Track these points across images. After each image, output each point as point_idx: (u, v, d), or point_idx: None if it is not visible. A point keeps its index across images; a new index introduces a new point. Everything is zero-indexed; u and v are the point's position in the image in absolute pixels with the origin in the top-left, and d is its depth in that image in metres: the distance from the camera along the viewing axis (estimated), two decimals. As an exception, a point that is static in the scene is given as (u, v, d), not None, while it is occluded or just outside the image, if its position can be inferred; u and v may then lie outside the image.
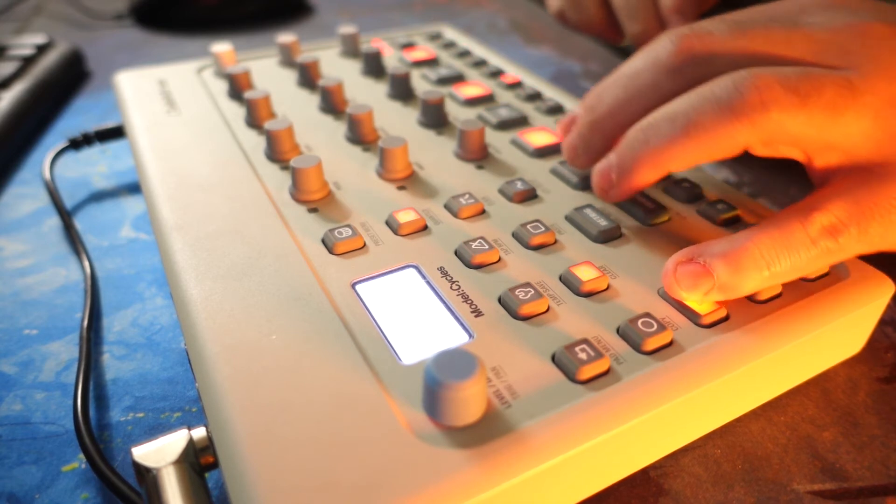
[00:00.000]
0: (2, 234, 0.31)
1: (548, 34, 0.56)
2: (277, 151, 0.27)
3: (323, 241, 0.22)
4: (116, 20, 0.59)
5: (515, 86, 0.35)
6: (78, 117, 0.42)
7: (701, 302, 0.19)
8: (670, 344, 0.18)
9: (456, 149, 0.28)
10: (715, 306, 0.19)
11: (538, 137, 0.29)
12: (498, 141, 0.29)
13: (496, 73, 0.36)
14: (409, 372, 0.17)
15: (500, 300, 0.20)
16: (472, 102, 0.33)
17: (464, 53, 0.39)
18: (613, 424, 0.16)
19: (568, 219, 0.24)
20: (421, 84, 0.35)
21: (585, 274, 0.20)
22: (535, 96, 0.33)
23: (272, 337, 0.18)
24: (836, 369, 0.23)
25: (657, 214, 0.24)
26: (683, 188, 0.25)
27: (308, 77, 0.34)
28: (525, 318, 0.19)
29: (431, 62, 0.38)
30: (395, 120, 0.31)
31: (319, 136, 0.29)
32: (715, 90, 0.20)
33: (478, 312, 0.19)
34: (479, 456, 0.15)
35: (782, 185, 0.33)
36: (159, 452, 0.16)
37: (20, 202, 0.33)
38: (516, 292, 0.20)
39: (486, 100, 0.33)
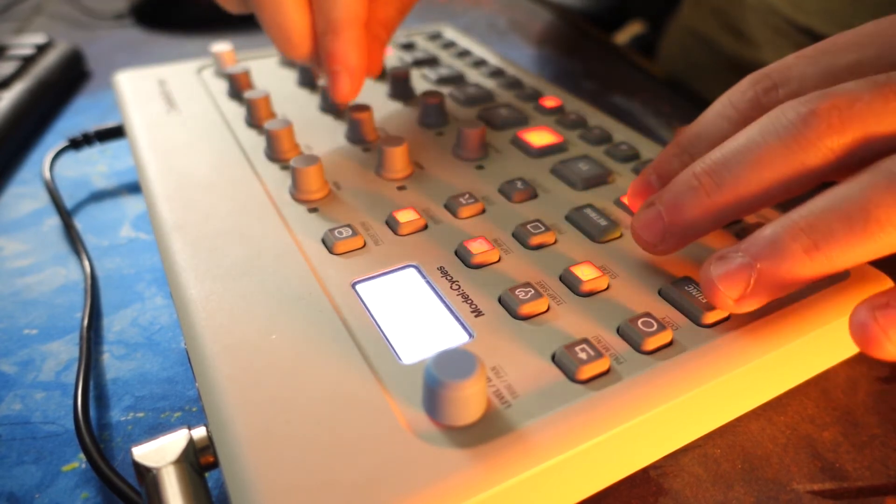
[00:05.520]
0: (2, 233, 0.31)
1: (548, 34, 0.56)
2: (277, 151, 0.27)
3: (323, 241, 0.22)
4: (116, 20, 0.59)
5: (515, 86, 0.35)
6: (78, 117, 0.42)
7: None
8: (670, 343, 0.18)
9: (456, 149, 0.28)
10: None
11: (538, 137, 0.29)
12: (498, 141, 0.29)
13: (496, 73, 0.36)
14: (409, 372, 0.17)
15: (500, 300, 0.20)
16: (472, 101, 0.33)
17: (464, 53, 0.39)
18: (613, 424, 0.16)
19: (568, 219, 0.24)
20: (421, 84, 0.35)
21: (585, 274, 0.20)
22: (535, 96, 0.33)
23: (272, 337, 0.18)
24: (836, 369, 0.23)
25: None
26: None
27: (308, 77, 0.34)
28: (525, 318, 0.19)
29: (431, 62, 0.38)
30: (395, 120, 0.31)
31: (319, 136, 0.29)
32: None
33: (478, 312, 0.19)
34: (479, 455, 0.15)
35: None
36: (159, 452, 0.16)
37: (20, 202, 0.33)
38: (516, 292, 0.20)
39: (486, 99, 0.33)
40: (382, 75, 0.36)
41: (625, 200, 0.24)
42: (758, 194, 0.18)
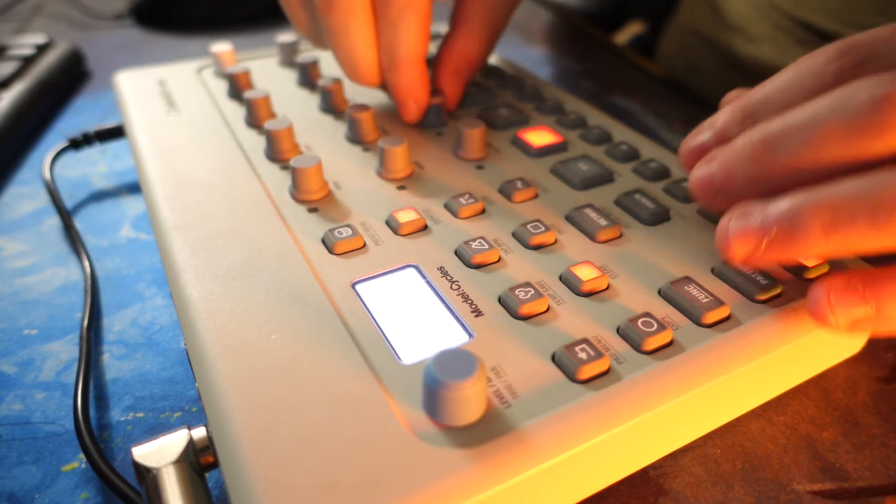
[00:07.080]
0: (2, 234, 0.31)
1: (548, 34, 0.56)
2: (277, 151, 0.27)
3: (323, 241, 0.22)
4: (116, 20, 0.59)
5: (515, 86, 0.35)
6: (78, 117, 0.42)
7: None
8: (670, 343, 0.18)
9: (456, 149, 0.28)
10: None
11: (538, 137, 0.29)
12: (498, 141, 0.29)
13: (496, 73, 0.36)
14: (409, 372, 0.17)
15: (500, 300, 0.20)
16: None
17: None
18: (613, 424, 0.16)
19: (568, 219, 0.24)
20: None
21: (585, 274, 0.20)
22: (536, 97, 0.33)
23: (272, 337, 0.18)
24: (836, 369, 0.23)
25: (657, 214, 0.24)
26: (683, 187, 0.25)
27: (308, 77, 0.34)
28: (525, 318, 0.19)
29: (431, 62, 0.38)
30: (396, 120, 0.31)
31: (319, 136, 0.29)
32: None
33: (478, 312, 0.19)
34: (479, 456, 0.15)
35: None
36: (159, 452, 0.16)
37: (20, 202, 0.33)
38: (516, 292, 0.20)
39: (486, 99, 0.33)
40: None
41: (624, 199, 0.24)
42: (811, 172, 0.18)
